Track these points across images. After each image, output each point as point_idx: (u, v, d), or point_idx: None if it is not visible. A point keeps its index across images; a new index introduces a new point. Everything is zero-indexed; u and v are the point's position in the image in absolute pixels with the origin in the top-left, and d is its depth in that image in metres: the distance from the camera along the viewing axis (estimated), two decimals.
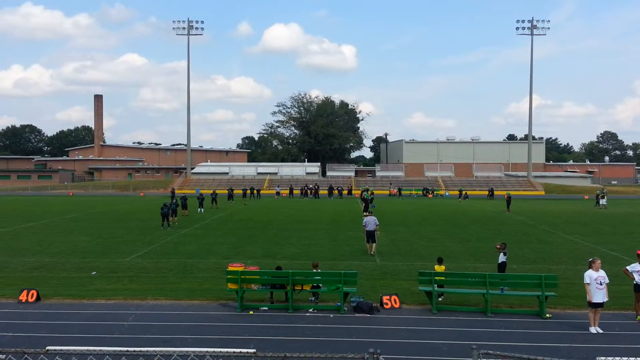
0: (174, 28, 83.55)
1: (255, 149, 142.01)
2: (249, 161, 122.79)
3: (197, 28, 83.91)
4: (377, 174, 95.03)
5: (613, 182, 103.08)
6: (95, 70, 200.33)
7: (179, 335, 11.67)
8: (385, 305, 13.93)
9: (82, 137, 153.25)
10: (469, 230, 31.17)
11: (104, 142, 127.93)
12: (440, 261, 16.01)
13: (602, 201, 49.14)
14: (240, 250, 23.24)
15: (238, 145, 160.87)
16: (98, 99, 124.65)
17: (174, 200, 34.91)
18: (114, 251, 22.93)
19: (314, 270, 14.86)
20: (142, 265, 19.84)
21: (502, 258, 16.18)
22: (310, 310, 13.81)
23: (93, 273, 18.24)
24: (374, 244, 22.27)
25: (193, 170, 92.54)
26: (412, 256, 22.01)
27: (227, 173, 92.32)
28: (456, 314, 13.63)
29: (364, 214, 37.95)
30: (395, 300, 14.10)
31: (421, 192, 73.85)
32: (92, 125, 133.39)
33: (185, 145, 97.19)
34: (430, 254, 21.96)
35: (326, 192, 68.88)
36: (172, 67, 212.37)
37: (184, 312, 13.59)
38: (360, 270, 17.43)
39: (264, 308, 13.96)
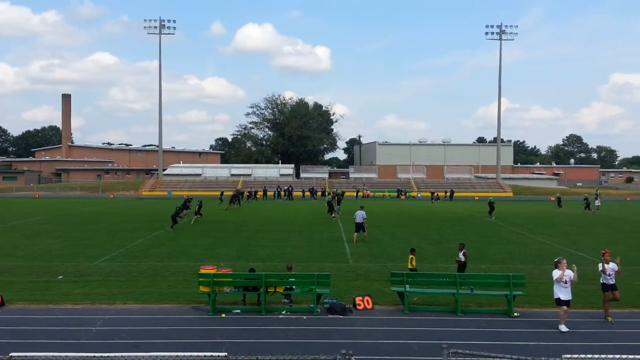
0: (145, 27, 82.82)
1: (229, 150, 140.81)
2: (222, 163, 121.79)
3: (169, 27, 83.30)
4: (351, 175, 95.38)
5: (578, 184, 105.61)
6: (63, 69, 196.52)
7: (148, 339, 11.50)
8: (358, 306, 14.00)
9: (49, 137, 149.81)
10: (441, 231, 31.55)
11: (72, 142, 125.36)
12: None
13: (597, 202, 49.81)
14: (213, 253, 23.05)
15: (211, 147, 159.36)
16: (66, 98, 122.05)
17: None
18: (81, 254, 22.47)
19: (288, 272, 14.85)
20: (111, 268, 19.49)
21: (461, 257, 16.58)
22: (284, 312, 13.79)
23: (60, 277, 17.84)
24: (358, 234, 25.95)
25: (165, 172, 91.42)
26: (384, 257, 22.18)
27: (200, 174, 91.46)
28: (427, 313, 13.78)
29: (331, 215, 38.29)
30: (368, 301, 14.19)
31: (395, 193, 74.48)
32: (59, 125, 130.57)
33: (157, 146, 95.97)
34: (403, 255, 22.13)
35: (300, 193, 69.34)
36: (144, 66, 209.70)
37: (155, 316, 13.40)
38: (334, 272, 17.44)
39: (237, 311, 13.88)
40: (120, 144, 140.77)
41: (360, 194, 71.04)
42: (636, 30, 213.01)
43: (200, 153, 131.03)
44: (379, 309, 14.10)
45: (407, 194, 75.17)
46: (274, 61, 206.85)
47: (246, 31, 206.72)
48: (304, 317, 13.34)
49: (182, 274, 18.37)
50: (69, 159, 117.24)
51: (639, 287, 16.46)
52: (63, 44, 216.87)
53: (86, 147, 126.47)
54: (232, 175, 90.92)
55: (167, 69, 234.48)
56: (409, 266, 16.56)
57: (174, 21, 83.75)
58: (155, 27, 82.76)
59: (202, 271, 14.38)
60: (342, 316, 13.38)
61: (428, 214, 43.49)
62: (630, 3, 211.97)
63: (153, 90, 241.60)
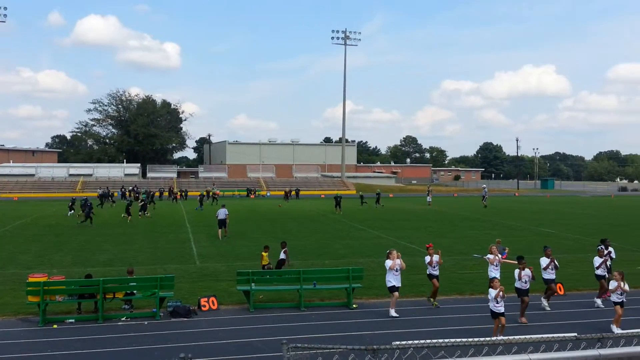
0: None
1: (68, 148, 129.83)
2: (60, 162, 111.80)
3: None
4: (200, 174, 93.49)
5: (413, 182, 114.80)
6: None
7: None
8: (203, 308, 13.89)
9: None
10: (288, 229, 32.33)
11: None
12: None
13: (428, 198, 54.02)
14: (45, 259, 21.22)
15: (47, 145, 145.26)
16: None
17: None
18: None
19: (128, 277, 14.23)
20: None
21: (281, 255, 17.61)
22: (123, 318, 13.22)
23: None
24: (225, 229, 27.50)
25: None
26: (232, 257, 22.20)
27: (34, 175, 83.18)
28: (272, 310, 14.13)
29: (140, 213, 37.79)
30: (213, 301, 14.14)
31: (245, 192, 74.59)
32: None
33: None
34: (250, 254, 22.37)
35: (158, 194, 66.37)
36: None
37: None
38: (179, 274, 17.12)
39: (71, 320, 13.00)
40: None
41: (228, 192, 70.21)
42: (463, 42, 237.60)
43: (34, 152, 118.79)
44: (224, 309, 14.13)
45: (257, 193, 75.74)
46: (119, 56, 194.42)
47: (87, 23, 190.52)
48: (145, 323, 12.91)
49: (8, 283, 16.74)
50: None
51: (462, 275, 18.46)
52: None
53: None
54: (71, 175, 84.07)
55: None
56: (262, 263, 16.90)
57: (5, 8, 75.12)
58: None
59: (31, 280, 13.24)
60: (186, 319, 13.18)
61: (276, 213, 44.28)
62: (459, 16, 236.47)
63: None
